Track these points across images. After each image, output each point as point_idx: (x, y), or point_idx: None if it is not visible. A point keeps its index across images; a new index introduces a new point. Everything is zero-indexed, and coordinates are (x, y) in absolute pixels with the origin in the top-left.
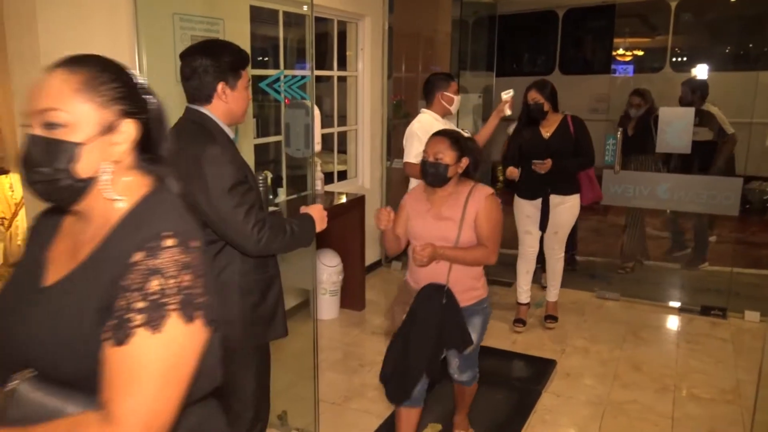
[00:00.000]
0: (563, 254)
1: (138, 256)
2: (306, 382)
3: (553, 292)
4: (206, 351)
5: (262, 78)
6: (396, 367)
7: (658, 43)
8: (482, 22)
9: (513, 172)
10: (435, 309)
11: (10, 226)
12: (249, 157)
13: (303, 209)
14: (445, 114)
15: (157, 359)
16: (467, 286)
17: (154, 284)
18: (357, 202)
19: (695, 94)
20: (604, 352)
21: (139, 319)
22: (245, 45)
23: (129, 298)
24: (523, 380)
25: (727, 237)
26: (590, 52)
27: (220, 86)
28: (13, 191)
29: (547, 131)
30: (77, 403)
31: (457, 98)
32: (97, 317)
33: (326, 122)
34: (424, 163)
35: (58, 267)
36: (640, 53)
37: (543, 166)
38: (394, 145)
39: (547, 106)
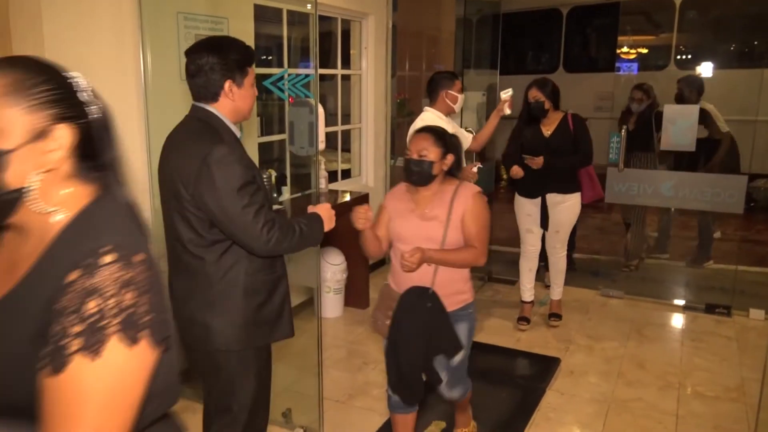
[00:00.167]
0: (565, 253)
1: (74, 276)
2: (310, 379)
3: (556, 291)
4: (159, 371)
5: (266, 76)
6: (399, 376)
7: (662, 40)
8: (486, 21)
9: (518, 171)
10: (420, 315)
11: None
12: (253, 156)
13: (311, 208)
14: (448, 112)
15: (97, 387)
16: (453, 289)
17: (92, 305)
18: (361, 201)
19: (692, 91)
20: (608, 350)
21: (75, 344)
22: (249, 44)
23: (65, 322)
24: (527, 378)
25: (732, 235)
26: (594, 50)
27: (227, 84)
28: None
29: (547, 129)
30: None
31: (461, 97)
32: (35, 343)
33: (330, 121)
34: (407, 161)
35: None
36: (645, 51)
37: (534, 161)
38: (397, 144)
39: (548, 104)
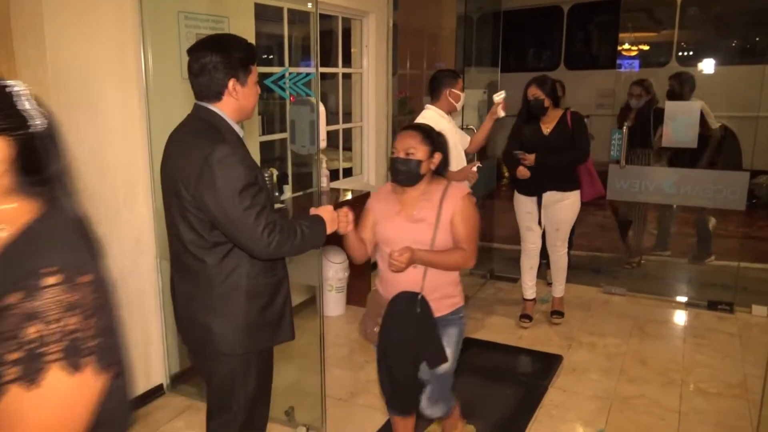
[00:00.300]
0: (566, 250)
1: (14, 298)
2: (313, 378)
3: (558, 288)
4: (108, 399)
5: (268, 75)
6: (392, 385)
7: (663, 37)
8: (487, 18)
9: (525, 173)
10: (409, 321)
11: None
12: (255, 155)
13: (313, 210)
14: (450, 111)
15: (35, 418)
16: (443, 293)
17: (32, 331)
18: (362, 199)
19: (683, 87)
20: (610, 347)
21: (12, 373)
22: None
23: (2, 348)
24: (529, 375)
25: (734, 232)
26: (596, 47)
27: (231, 83)
28: None
29: (547, 127)
30: None
31: (462, 95)
32: None
33: (331, 119)
34: (394, 160)
35: None
36: (646, 48)
37: (527, 158)
38: None
39: (547, 102)
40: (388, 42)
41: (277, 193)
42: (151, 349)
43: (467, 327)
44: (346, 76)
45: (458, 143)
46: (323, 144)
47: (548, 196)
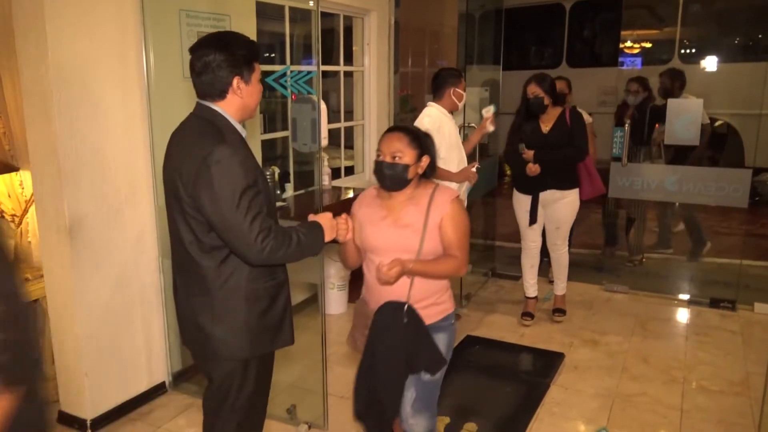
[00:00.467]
0: (567, 249)
1: None
2: (315, 376)
3: (560, 286)
4: (16, 424)
5: (269, 73)
6: (369, 402)
7: (666, 35)
8: (489, 16)
9: (536, 169)
10: (396, 332)
11: (20, 223)
12: (256, 153)
13: (311, 217)
14: (452, 109)
15: None
16: (432, 300)
17: None
18: None
19: (674, 84)
20: (612, 345)
21: None
22: None
23: None
24: (531, 373)
25: (737, 229)
26: (598, 45)
27: (235, 81)
28: (23, 188)
29: (546, 126)
30: None
31: (465, 94)
32: None
33: (333, 117)
34: (379, 163)
35: None
36: (648, 45)
37: (526, 153)
38: None
39: (547, 100)
40: (390, 40)
41: (279, 192)
42: (153, 347)
43: (469, 325)
44: (348, 74)
45: (460, 143)
46: (325, 142)
47: (547, 195)
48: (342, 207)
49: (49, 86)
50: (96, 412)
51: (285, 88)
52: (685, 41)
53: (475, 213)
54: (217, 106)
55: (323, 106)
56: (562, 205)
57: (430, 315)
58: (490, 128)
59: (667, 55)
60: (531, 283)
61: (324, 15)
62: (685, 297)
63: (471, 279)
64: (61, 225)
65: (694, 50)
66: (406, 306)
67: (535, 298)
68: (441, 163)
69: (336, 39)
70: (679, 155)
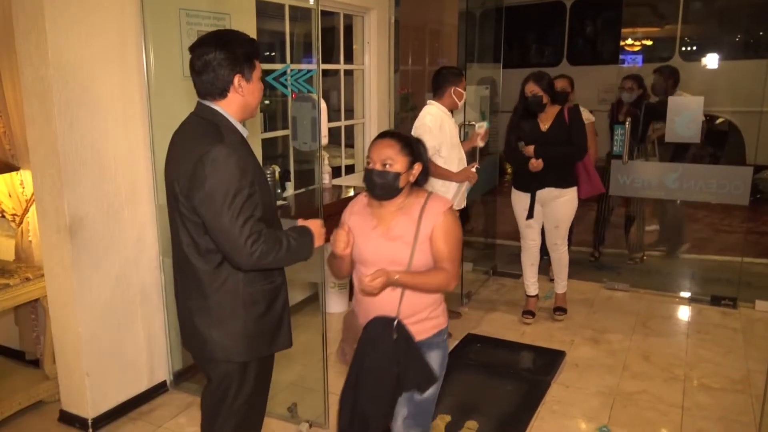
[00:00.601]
0: (566, 248)
1: None
2: (316, 374)
3: (561, 284)
4: None
5: (269, 72)
6: (353, 417)
7: (666, 32)
8: (489, 14)
9: (539, 164)
10: (385, 348)
11: (21, 222)
12: (257, 152)
13: (301, 222)
14: (452, 108)
15: None
16: (424, 315)
17: None
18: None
19: (667, 81)
20: (613, 343)
21: None
22: None
23: None
24: (532, 371)
25: (738, 227)
26: (598, 43)
27: (236, 79)
28: (23, 188)
29: (545, 124)
30: None
31: (465, 93)
32: None
33: (333, 116)
34: (369, 172)
35: None
36: (649, 43)
37: (527, 150)
38: None
39: (545, 98)
40: (390, 38)
41: (279, 191)
42: (154, 346)
43: (470, 323)
44: (348, 73)
45: (459, 142)
46: (325, 141)
47: (546, 193)
48: (342, 206)
49: (49, 86)
50: (97, 411)
51: (285, 86)
52: (685, 39)
53: (476, 211)
54: (218, 106)
55: (323, 105)
56: (561, 204)
57: (421, 331)
58: (480, 143)
59: (667, 52)
60: (531, 282)
61: (324, 13)
62: (686, 295)
63: (472, 277)
64: (61, 224)
65: (695, 48)
66: (395, 321)
67: (536, 296)
68: (442, 163)
69: (336, 37)
70: (676, 153)
